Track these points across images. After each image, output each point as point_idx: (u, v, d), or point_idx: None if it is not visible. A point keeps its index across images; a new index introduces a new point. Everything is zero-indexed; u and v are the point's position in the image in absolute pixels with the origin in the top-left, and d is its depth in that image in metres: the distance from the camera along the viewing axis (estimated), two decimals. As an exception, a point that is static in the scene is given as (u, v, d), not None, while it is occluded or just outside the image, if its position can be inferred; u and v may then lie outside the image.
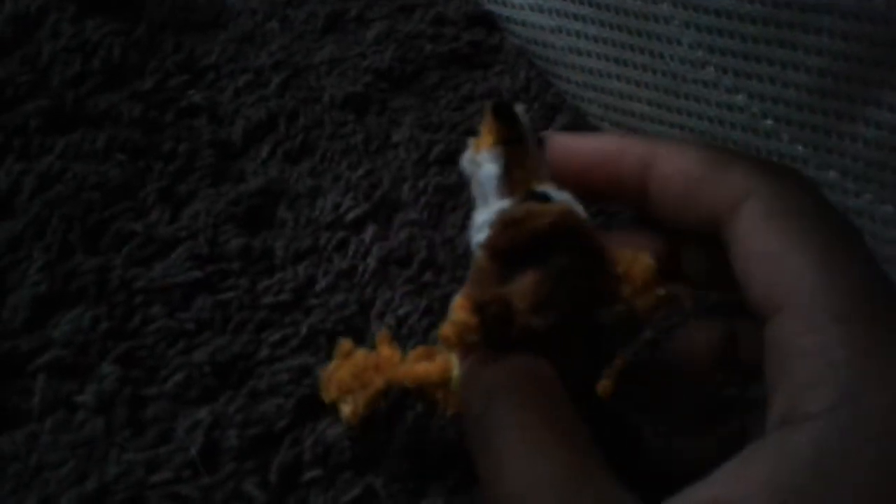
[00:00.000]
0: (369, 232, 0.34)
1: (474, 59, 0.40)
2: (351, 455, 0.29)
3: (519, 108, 0.26)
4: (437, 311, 0.34)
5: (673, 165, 0.25)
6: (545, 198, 0.25)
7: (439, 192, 0.36)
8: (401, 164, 0.36)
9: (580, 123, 0.40)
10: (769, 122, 0.35)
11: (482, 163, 0.26)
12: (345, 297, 0.33)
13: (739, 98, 0.35)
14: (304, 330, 0.32)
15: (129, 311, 0.30)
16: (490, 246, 0.24)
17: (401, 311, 0.33)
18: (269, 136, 0.35)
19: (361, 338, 0.32)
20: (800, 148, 0.34)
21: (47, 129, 0.33)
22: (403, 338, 0.33)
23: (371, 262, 0.34)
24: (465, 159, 0.27)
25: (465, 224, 0.36)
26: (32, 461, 0.27)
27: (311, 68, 0.37)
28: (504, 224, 0.24)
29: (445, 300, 0.34)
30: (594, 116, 0.40)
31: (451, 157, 0.37)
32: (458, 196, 0.37)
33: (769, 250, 0.23)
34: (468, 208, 0.37)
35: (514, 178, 0.25)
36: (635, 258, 0.26)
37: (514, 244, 0.24)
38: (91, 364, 0.29)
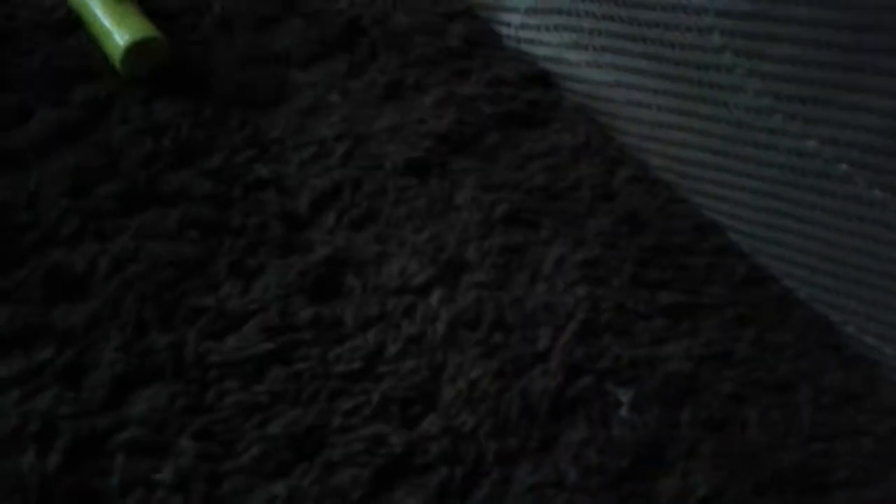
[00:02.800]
0: (436, 295, 0.34)
1: (533, 118, 0.40)
2: (429, 526, 0.29)
3: None
4: (510, 374, 0.33)
5: None
6: None
7: (504, 253, 0.36)
8: (464, 226, 0.36)
9: (643, 175, 0.40)
10: (843, 167, 0.34)
11: None
12: (415, 362, 0.33)
13: (810, 144, 0.34)
14: (376, 398, 0.31)
15: (205, 387, 0.30)
16: None
17: (472, 375, 0.33)
18: (335, 204, 0.36)
19: (434, 403, 0.32)
20: (877, 192, 0.33)
21: (121, 210, 0.34)
22: (476, 401, 0.32)
23: (440, 326, 0.34)
24: None
25: (532, 283, 0.36)
26: (114, 542, 0.27)
27: (373, 136, 0.38)
28: None
29: (516, 362, 0.33)
30: (658, 168, 0.40)
31: (514, 217, 0.37)
32: (524, 255, 0.36)
33: None
34: (535, 266, 0.36)
35: None
36: None
37: None
38: (168, 441, 0.29)
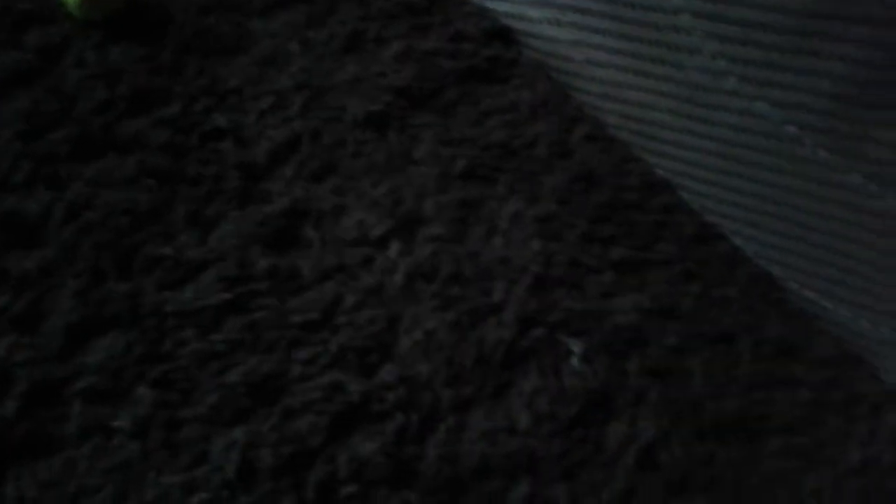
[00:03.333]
0: (394, 248, 0.35)
1: (492, 74, 0.41)
2: (386, 470, 0.30)
3: None
4: (465, 325, 0.34)
5: None
6: None
7: (462, 207, 0.37)
8: (423, 180, 0.37)
9: (599, 134, 0.40)
10: (792, 129, 0.35)
11: None
12: (373, 313, 0.33)
13: (761, 106, 0.35)
14: (333, 347, 0.32)
15: (162, 335, 0.31)
16: None
17: (428, 326, 0.33)
18: (293, 156, 0.36)
19: (391, 353, 0.33)
20: (823, 153, 0.34)
21: (75, 156, 0.33)
22: (432, 352, 0.33)
23: (397, 277, 0.34)
24: None
25: (488, 238, 0.37)
26: (70, 487, 0.27)
27: (332, 88, 0.38)
28: None
29: (472, 313, 0.34)
30: (613, 127, 0.40)
31: (472, 172, 0.38)
32: (481, 210, 0.37)
33: None
34: (491, 221, 0.37)
35: None
36: None
37: None
38: (126, 389, 0.29)
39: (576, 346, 0.35)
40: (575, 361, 0.34)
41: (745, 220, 0.38)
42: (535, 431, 0.32)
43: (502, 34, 0.41)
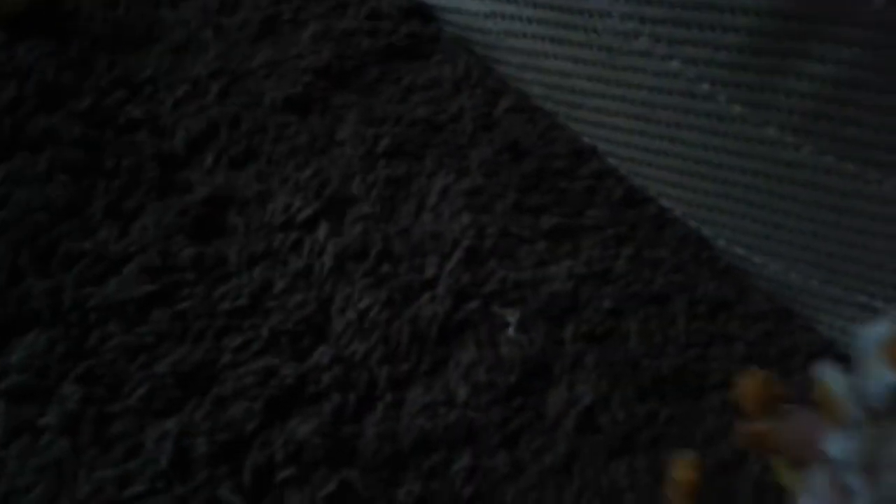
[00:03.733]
0: (322, 230, 0.34)
1: (413, 50, 0.41)
2: (324, 451, 0.29)
3: None
4: (398, 302, 0.34)
5: None
6: None
7: (389, 185, 0.36)
8: (348, 161, 0.37)
9: (523, 105, 0.41)
10: (705, 85, 0.35)
11: None
12: (303, 296, 0.33)
13: (674, 64, 0.35)
14: (265, 332, 0.32)
15: (86, 331, 0.30)
16: None
17: (361, 305, 0.33)
18: (212, 144, 0.35)
19: (324, 335, 0.32)
20: (737, 108, 0.35)
21: (-14, 156, 0.33)
22: (366, 331, 0.33)
23: (327, 259, 0.34)
24: (879, 380, 0.19)
25: (417, 214, 0.36)
26: (1, 488, 0.27)
27: (249, 73, 0.37)
28: None
29: (405, 290, 0.34)
30: (537, 97, 0.41)
31: (398, 150, 0.38)
32: (409, 186, 0.37)
33: None
34: (420, 197, 0.37)
35: None
36: None
37: None
38: (51, 386, 0.29)
39: (511, 316, 0.35)
40: (511, 331, 0.34)
41: (670, 181, 0.39)
42: (474, 402, 0.32)
43: (420, 10, 0.41)
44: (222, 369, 0.30)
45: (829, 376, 0.21)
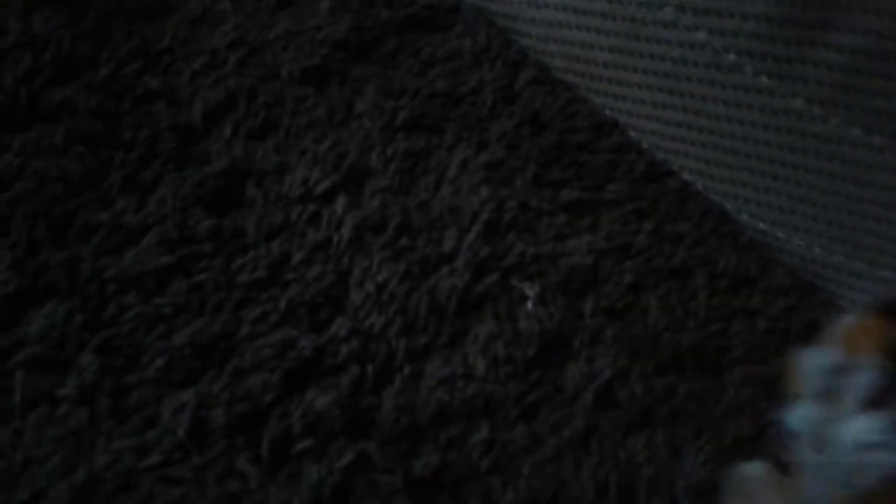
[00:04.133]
0: (341, 202, 0.34)
1: (432, 22, 0.40)
2: (342, 422, 0.29)
3: None
4: (417, 275, 0.33)
5: None
6: None
7: (408, 157, 0.36)
8: (366, 133, 0.36)
9: (544, 77, 0.40)
10: (731, 56, 0.34)
11: (859, 368, 0.21)
12: (321, 268, 0.33)
13: (700, 35, 0.35)
14: (283, 304, 0.31)
15: (103, 302, 0.30)
16: None
17: (379, 278, 0.33)
18: (230, 115, 0.35)
19: (342, 307, 0.32)
20: (764, 79, 0.34)
21: (3, 128, 0.32)
22: (384, 303, 0.33)
23: (345, 231, 0.34)
24: (816, 362, 0.22)
25: (436, 187, 0.36)
26: (19, 457, 0.27)
27: (267, 45, 0.37)
28: None
29: (423, 263, 0.34)
30: (558, 69, 0.40)
31: (416, 122, 0.37)
32: (428, 160, 0.36)
33: None
34: (439, 171, 0.36)
35: (885, 387, 0.21)
36: None
37: None
38: (69, 357, 0.29)
39: (530, 290, 0.34)
40: (530, 305, 0.34)
41: (693, 154, 0.38)
42: (493, 376, 0.32)
43: (439, -19, 0.41)
44: (240, 341, 0.30)
45: (801, 354, 0.21)
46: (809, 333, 0.36)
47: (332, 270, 0.33)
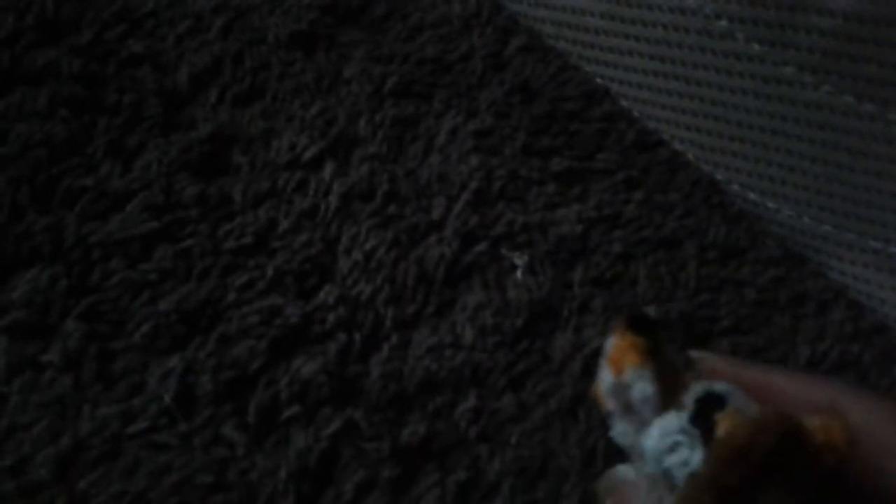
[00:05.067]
0: (328, 169, 0.34)
1: (422, -13, 0.39)
2: (329, 390, 0.29)
3: (651, 312, 0.24)
4: (405, 243, 0.33)
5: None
6: (720, 400, 0.22)
7: (397, 125, 0.36)
8: (355, 100, 0.36)
9: (535, 44, 0.40)
10: (723, 22, 0.34)
11: (632, 383, 0.23)
12: (309, 236, 0.32)
13: (691, 1, 0.34)
14: (269, 272, 0.31)
15: (88, 267, 0.30)
16: (722, 486, 0.20)
17: (367, 246, 0.33)
18: (216, 80, 0.35)
19: (330, 275, 0.32)
20: (755, 46, 0.34)
21: (-15, 90, 0.32)
22: (372, 271, 0.32)
23: (333, 199, 0.33)
24: (605, 384, 0.23)
25: (425, 155, 0.36)
26: (3, 424, 0.27)
27: (253, 9, 0.36)
28: (730, 456, 0.21)
29: (411, 231, 0.34)
30: (548, 36, 0.40)
31: (405, 89, 0.37)
32: (417, 127, 0.36)
33: None
34: (428, 138, 0.36)
35: (666, 388, 0.23)
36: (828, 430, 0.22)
37: (745, 477, 0.21)
38: (54, 323, 0.28)
39: (519, 259, 0.34)
40: (519, 274, 0.34)
41: (684, 123, 0.38)
42: (481, 345, 0.32)
43: (429, -55, 0.40)
44: (227, 308, 0.30)
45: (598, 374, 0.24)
46: (797, 304, 0.36)
47: (320, 238, 0.32)
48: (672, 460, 0.22)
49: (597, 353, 0.33)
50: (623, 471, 0.25)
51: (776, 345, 0.35)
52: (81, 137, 0.32)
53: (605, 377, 0.23)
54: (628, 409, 0.23)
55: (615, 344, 0.23)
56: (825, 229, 0.37)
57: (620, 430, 0.23)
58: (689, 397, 0.22)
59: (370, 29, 0.38)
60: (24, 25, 0.33)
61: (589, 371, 0.32)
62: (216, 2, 0.36)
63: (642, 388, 0.22)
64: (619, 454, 0.31)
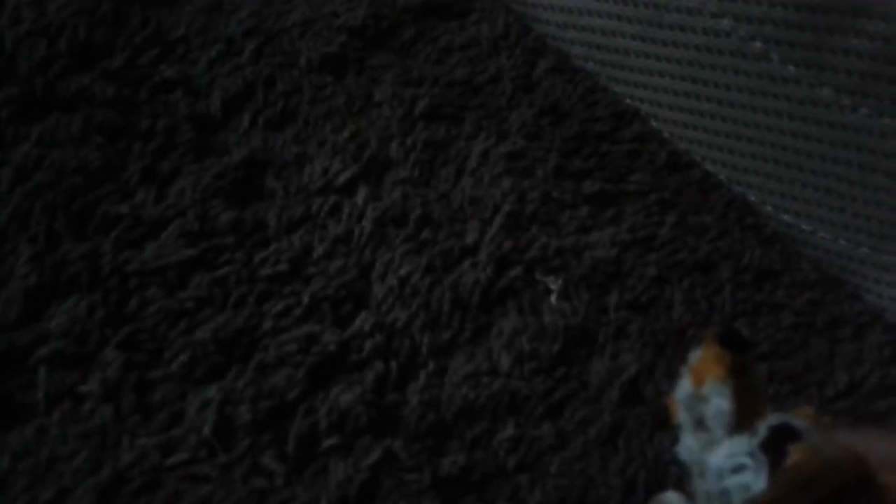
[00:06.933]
0: (361, 194, 0.34)
1: (449, 9, 0.39)
2: (367, 419, 0.29)
3: (744, 332, 0.24)
4: (439, 269, 0.33)
5: None
6: (795, 434, 0.21)
7: (428, 148, 0.35)
8: (386, 123, 0.36)
9: (563, 65, 0.39)
10: (758, 44, 0.34)
11: (710, 397, 0.22)
12: (343, 261, 0.32)
13: (725, 22, 0.34)
14: (306, 299, 0.31)
15: (125, 296, 0.29)
16: None
17: (402, 272, 0.32)
18: (249, 105, 0.34)
19: (365, 301, 0.32)
20: (791, 68, 0.34)
21: (19, 117, 0.32)
22: (407, 298, 0.32)
23: (366, 224, 0.33)
24: (682, 393, 0.23)
25: (457, 178, 0.36)
26: (43, 455, 0.26)
27: (284, 32, 0.36)
28: (795, 484, 0.20)
29: (445, 256, 0.33)
30: (578, 57, 0.39)
31: (436, 112, 0.37)
32: (448, 150, 0.36)
33: None
34: (460, 161, 0.36)
35: (743, 410, 0.22)
36: None
37: None
38: (92, 352, 0.28)
39: (554, 284, 0.34)
40: (553, 299, 0.34)
41: (717, 144, 0.37)
42: (518, 372, 0.32)
43: (457, -33, 0.40)
44: (264, 336, 0.30)
45: (674, 385, 0.23)
46: (834, 328, 0.36)
47: (355, 264, 0.32)
48: (733, 481, 0.21)
49: (634, 381, 0.33)
50: (671, 498, 0.25)
51: (813, 369, 0.35)
52: (116, 163, 0.32)
53: (684, 386, 0.22)
54: (700, 423, 0.22)
55: (701, 355, 0.22)
56: (862, 251, 0.36)
57: (687, 445, 0.22)
58: (764, 425, 0.21)
59: (399, 52, 0.37)
60: (57, 51, 0.33)
61: (626, 399, 0.32)
62: (247, 26, 0.36)
63: (719, 403, 0.22)
64: (658, 484, 0.31)
